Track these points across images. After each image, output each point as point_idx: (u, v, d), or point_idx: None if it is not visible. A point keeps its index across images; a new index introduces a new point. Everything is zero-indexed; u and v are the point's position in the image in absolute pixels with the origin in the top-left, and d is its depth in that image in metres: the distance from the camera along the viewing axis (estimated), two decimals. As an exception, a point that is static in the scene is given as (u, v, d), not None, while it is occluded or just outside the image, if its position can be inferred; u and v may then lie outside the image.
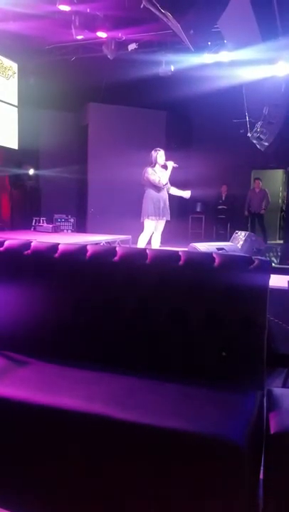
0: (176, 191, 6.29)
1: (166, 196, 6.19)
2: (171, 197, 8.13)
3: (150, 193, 6.06)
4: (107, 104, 9.68)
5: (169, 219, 6.25)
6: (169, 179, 6.13)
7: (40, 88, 9.05)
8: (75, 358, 1.92)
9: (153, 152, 6.07)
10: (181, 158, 10.67)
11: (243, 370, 1.79)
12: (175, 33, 6.12)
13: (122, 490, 1.46)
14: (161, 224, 6.23)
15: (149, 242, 6.24)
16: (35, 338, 2.04)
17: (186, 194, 6.32)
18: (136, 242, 6.23)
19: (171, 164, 6.04)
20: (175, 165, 6.08)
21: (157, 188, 6.03)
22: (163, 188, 6.07)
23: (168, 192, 6.22)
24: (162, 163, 6.03)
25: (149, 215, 6.07)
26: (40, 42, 8.20)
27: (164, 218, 6.18)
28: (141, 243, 6.16)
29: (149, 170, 5.98)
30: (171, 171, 6.08)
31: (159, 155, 6.03)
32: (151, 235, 6.26)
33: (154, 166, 6.01)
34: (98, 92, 9.42)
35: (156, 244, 6.21)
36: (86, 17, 7.17)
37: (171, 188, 6.20)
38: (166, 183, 6.09)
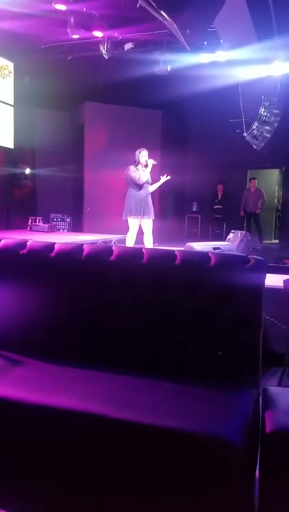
0: (155, 185, 6.37)
1: (149, 195, 6.27)
2: (166, 197, 8.18)
3: (132, 191, 6.19)
4: (103, 103, 9.67)
5: (153, 218, 6.30)
6: (151, 176, 6.22)
7: (36, 87, 9.03)
8: (71, 357, 1.92)
9: (136, 151, 6.20)
10: (177, 158, 10.74)
11: (238, 369, 1.80)
12: (171, 33, 6.12)
13: (119, 489, 1.46)
14: (146, 223, 6.26)
15: (142, 243, 6.27)
16: (31, 338, 2.03)
17: (165, 178, 6.36)
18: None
19: (151, 162, 6.17)
20: (155, 162, 6.21)
21: (138, 187, 6.15)
22: (144, 186, 6.18)
23: (150, 191, 6.30)
24: (144, 163, 6.15)
25: (131, 213, 6.17)
26: (36, 41, 8.18)
27: (147, 217, 6.23)
28: (128, 242, 6.22)
29: (132, 167, 6.14)
30: (152, 169, 6.19)
31: (142, 154, 6.15)
32: (142, 235, 6.29)
33: (137, 164, 6.15)
34: (94, 92, 9.41)
35: (149, 245, 6.24)
36: (82, 16, 7.16)
37: (150, 186, 6.27)
38: (147, 181, 6.18)
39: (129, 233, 6.25)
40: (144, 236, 6.30)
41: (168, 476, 1.40)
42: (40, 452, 1.53)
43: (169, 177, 6.35)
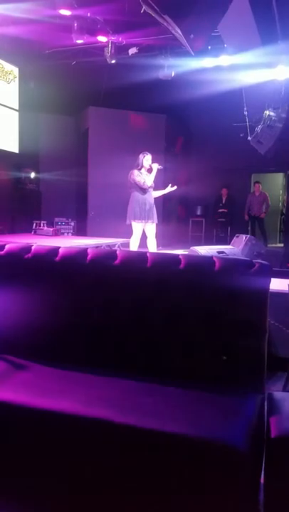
0: (159, 192, 6.37)
1: (152, 199, 6.28)
2: (170, 200, 8.13)
3: (136, 195, 6.17)
4: (107, 108, 9.70)
5: (156, 222, 6.31)
6: (155, 181, 6.24)
7: (40, 92, 9.08)
8: (75, 361, 1.92)
9: (140, 155, 6.19)
10: (181, 162, 10.76)
11: (243, 374, 1.79)
12: (175, 37, 6.13)
13: (122, 493, 1.45)
14: (150, 227, 6.27)
15: (146, 247, 6.27)
16: (35, 342, 2.03)
17: (170, 189, 6.37)
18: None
19: (156, 166, 6.16)
20: (160, 167, 6.21)
21: (143, 191, 6.14)
22: (148, 191, 6.18)
23: (153, 197, 6.32)
24: (148, 167, 6.16)
25: (135, 217, 6.16)
26: (40, 46, 8.23)
27: (151, 221, 6.24)
28: (132, 246, 6.22)
29: (135, 172, 6.12)
30: (156, 173, 6.20)
31: (146, 159, 6.15)
32: (145, 239, 6.30)
33: (140, 168, 6.15)
34: (98, 96, 9.45)
35: (152, 249, 6.24)
36: (86, 21, 7.21)
37: (154, 192, 6.29)
38: (152, 186, 6.19)
39: (132, 237, 6.26)
40: (148, 240, 6.30)
41: (172, 480, 1.39)
42: (43, 456, 1.53)
43: (175, 187, 6.35)
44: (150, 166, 6.15)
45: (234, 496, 1.34)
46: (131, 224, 6.22)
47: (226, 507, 1.35)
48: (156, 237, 6.36)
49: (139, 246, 6.30)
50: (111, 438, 1.44)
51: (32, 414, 1.52)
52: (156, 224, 6.35)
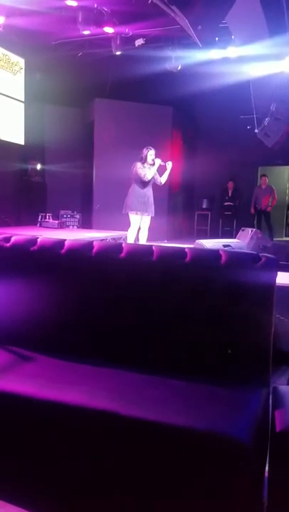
0: (164, 176, 6.33)
1: (151, 193, 6.37)
2: (176, 193, 8.09)
3: (136, 187, 6.27)
4: (114, 99, 9.65)
5: (153, 215, 6.39)
6: (155, 176, 6.28)
7: (46, 84, 9.05)
8: (80, 353, 1.92)
9: (144, 149, 6.26)
10: (187, 154, 10.70)
11: (248, 368, 1.79)
12: (182, 29, 6.08)
13: (126, 485, 1.46)
14: (146, 220, 6.37)
15: (137, 239, 6.34)
16: (41, 334, 2.04)
17: (169, 166, 6.35)
18: (137, 239, 6.39)
19: (158, 162, 6.22)
20: (162, 163, 6.25)
21: (143, 184, 6.23)
22: (148, 184, 6.27)
23: (162, 183, 6.39)
24: (151, 162, 6.22)
25: (133, 209, 6.26)
26: (47, 37, 8.19)
27: (147, 214, 6.32)
28: (130, 238, 6.33)
29: (138, 164, 6.22)
30: (158, 168, 6.24)
31: (150, 153, 6.23)
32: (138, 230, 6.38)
33: (144, 162, 6.21)
34: (104, 88, 9.40)
35: (143, 241, 6.36)
36: (93, 12, 7.16)
37: (161, 178, 6.31)
38: (151, 180, 6.26)
39: (131, 228, 6.42)
40: (140, 231, 6.42)
41: (176, 473, 1.40)
42: (48, 448, 1.54)
43: (163, 163, 6.29)
44: (153, 160, 6.19)
45: (238, 489, 1.34)
46: (128, 214, 6.27)
47: (230, 500, 1.36)
48: (148, 229, 6.44)
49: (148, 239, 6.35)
50: (116, 430, 1.44)
51: (38, 405, 1.53)
52: (152, 217, 6.40)
